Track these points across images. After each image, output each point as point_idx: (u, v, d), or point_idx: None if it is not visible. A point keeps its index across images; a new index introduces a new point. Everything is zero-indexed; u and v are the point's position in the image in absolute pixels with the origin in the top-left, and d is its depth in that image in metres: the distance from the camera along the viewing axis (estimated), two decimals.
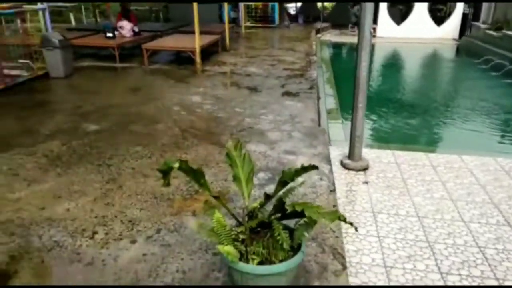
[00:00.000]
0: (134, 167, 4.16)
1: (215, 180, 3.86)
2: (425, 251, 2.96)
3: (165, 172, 2.41)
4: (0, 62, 6.98)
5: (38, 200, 3.54)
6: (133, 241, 3.02)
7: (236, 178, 2.52)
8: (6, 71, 7.19)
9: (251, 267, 2.18)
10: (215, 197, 2.42)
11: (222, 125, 5.37)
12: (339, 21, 17.39)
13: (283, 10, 17.55)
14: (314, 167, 2.27)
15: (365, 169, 4.17)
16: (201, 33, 9.01)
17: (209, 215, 2.46)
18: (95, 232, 3.11)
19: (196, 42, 8.58)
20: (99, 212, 3.38)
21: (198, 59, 8.62)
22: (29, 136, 4.92)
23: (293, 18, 18.54)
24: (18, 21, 9.66)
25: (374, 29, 14.24)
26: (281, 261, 2.24)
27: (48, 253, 2.87)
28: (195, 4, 8.17)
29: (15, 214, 3.34)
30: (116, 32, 9.74)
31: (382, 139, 5.89)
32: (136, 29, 10.24)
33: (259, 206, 2.50)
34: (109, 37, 9.50)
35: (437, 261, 2.86)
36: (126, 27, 10.01)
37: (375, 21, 13.82)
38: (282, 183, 2.34)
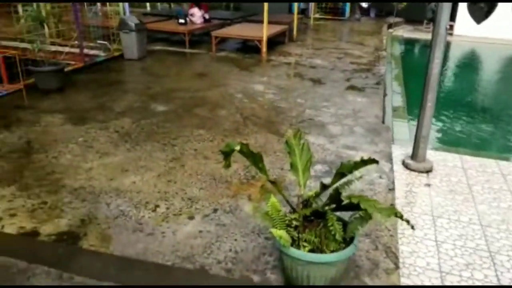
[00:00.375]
0: (196, 148, 4.33)
1: (272, 168, 3.92)
2: (485, 260, 2.83)
3: (227, 154, 2.50)
4: (82, 42, 7.49)
5: (108, 171, 3.80)
6: (191, 218, 3.16)
7: (293, 166, 2.56)
8: (86, 51, 7.71)
9: (302, 253, 2.22)
10: (272, 182, 2.48)
11: (282, 115, 5.41)
12: (413, 17, 16.67)
13: (355, 3, 17.12)
14: (374, 161, 2.25)
15: (428, 171, 4.02)
16: (269, 23, 9.06)
17: (265, 200, 2.53)
18: (157, 206, 3.30)
19: (264, 31, 8.64)
20: (161, 187, 3.57)
21: (264, 48, 8.68)
22: (103, 112, 5.27)
23: (365, 12, 18.03)
24: (99, 4, 10.30)
25: (452, 26, 13.50)
26: (332, 251, 2.26)
27: (114, 220, 3.10)
28: None
29: (87, 182, 3.62)
30: (187, 19, 10.06)
31: (449, 142, 5.62)
32: (207, 16, 10.50)
33: (314, 196, 2.52)
34: (181, 23, 9.83)
35: (497, 272, 2.72)
36: (196, 14, 10.30)
37: (453, 18, 13.07)
38: (340, 174, 2.34)
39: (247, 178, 3.75)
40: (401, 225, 3.08)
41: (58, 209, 3.22)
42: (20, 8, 7.75)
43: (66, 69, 6.69)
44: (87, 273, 2.39)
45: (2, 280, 2.03)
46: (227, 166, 2.54)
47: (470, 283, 2.62)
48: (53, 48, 7.16)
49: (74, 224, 3.05)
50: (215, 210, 3.26)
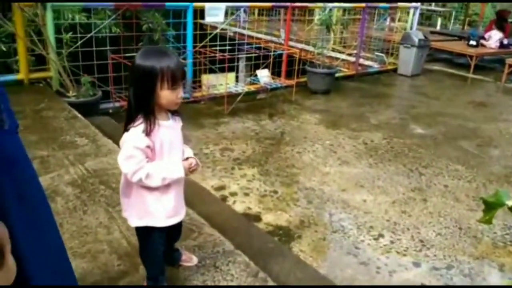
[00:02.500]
0: (447, 185, 3.64)
1: None
2: None
3: (491, 206, 1.88)
4: (360, 51, 7.56)
5: (342, 181, 3.60)
6: (416, 264, 2.62)
7: None
8: (361, 60, 7.76)
9: None
10: None
11: None
12: None
13: None
14: None
15: None
16: None
17: None
18: (381, 235, 2.89)
19: None
20: (393, 216, 3.13)
21: None
22: (358, 122, 5.12)
23: None
24: (388, 18, 10.24)
25: None
26: None
27: (331, 234, 2.87)
28: None
29: (319, 185, 3.52)
30: (480, 42, 8.87)
31: None
32: (505, 41, 9.00)
33: None
34: (471, 45, 8.75)
35: None
36: (493, 37, 8.94)
37: None
38: None
39: (504, 241, 2.88)
40: None
41: (285, 202, 3.23)
42: (316, 15, 8.44)
43: (337, 75, 6.89)
44: (284, 281, 2.23)
45: (209, 254, 2.08)
46: (487, 221, 1.91)
47: None
48: (332, 53, 7.48)
49: (293, 222, 2.98)
50: (449, 267, 2.60)
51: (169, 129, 1.61)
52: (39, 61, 4.77)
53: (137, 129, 1.53)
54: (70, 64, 4.54)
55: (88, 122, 3.71)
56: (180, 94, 1.55)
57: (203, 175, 3.54)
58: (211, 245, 2.11)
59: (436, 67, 8.69)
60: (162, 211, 1.63)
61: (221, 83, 5.32)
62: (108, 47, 4.82)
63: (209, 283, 1.86)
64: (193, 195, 2.85)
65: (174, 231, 1.83)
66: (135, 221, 1.66)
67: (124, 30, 5.20)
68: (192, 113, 4.99)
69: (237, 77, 6.34)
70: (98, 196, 2.51)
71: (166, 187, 1.61)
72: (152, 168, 1.55)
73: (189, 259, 2.00)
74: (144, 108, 1.53)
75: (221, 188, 3.37)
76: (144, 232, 1.70)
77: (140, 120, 1.53)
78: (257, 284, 1.85)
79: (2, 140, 1.14)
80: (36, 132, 3.40)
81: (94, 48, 4.68)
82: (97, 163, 2.93)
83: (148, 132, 1.53)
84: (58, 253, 1.39)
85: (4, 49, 4.59)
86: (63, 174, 2.73)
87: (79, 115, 3.84)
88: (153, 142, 1.55)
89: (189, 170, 1.67)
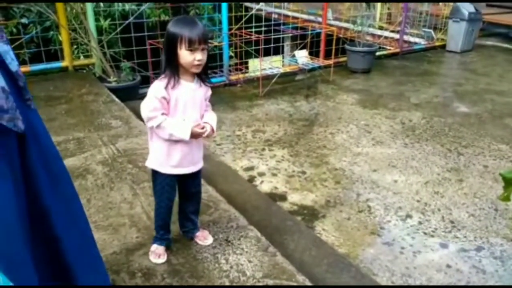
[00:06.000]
0: (487, 165, 3.45)
1: None
2: None
3: (510, 182, 1.79)
4: (404, 27, 7.23)
5: (374, 162, 3.52)
6: (444, 245, 2.53)
7: None
8: (406, 37, 7.43)
9: None
10: None
11: None
12: None
13: None
14: None
15: None
16: None
17: None
18: (409, 216, 2.81)
19: None
20: (424, 197, 3.03)
21: None
22: (397, 101, 4.94)
23: None
24: None
25: None
26: None
27: (356, 213, 2.83)
28: None
29: (350, 166, 3.46)
30: None
31: None
32: None
33: None
34: None
35: None
36: None
37: None
38: None
39: None
40: None
41: (312, 182, 3.21)
42: None
43: (380, 53, 6.66)
44: (299, 258, 2.23)
45: (222, 229, 2.13)
46: (506, 198, 1.83)
47: None
48: (373, 30, 7.22)
49: (319, 202, 2.96)
50: (479, 249, 2.49)
51: (189, 89, 1.82)
52: (83, 49, 5.03)
53: (160, 82, 1.78)
54: (111, 50, 4.74)
55: (123, 105, 3.88)
56: (198, 57, 1.74)
57: (233, 156, 3.60)
58: (225, 220, 2.16)
59: (489, 42, 8.13)
60: (166, 159, 1.86)
61: (265, 68, 5.32)
62: (146, 33, 4.96)
63: (219, 257, 1.91)
64: (218, 174, 2.92)
65: (187, 193, 2.02)
66: (147, 162, 1.93)
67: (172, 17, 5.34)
68: (228, 95, 5.05)
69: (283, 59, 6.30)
70: (125, 174, 2.64)
71: (174, 141, 1.83)
72: (165, 122, 1.77)
73: (204, 238, 2.08)
74: (169, 66, 1.77)
75: (250, 168, 3.41)
76: (152, 175, 1.95)
77: (165, 76, 1.78)
78: (266, 258, 1.88)
79: (30, 117, 1.29)
80: (76, 116, 3.61)
81: (133, 34, 4.85)
82: (127, 143, 3.07)
83: (166, 86, 1.76)
84: (83, 222, 1.53)
85: (50, 37, 4.87)
86: (96, 154, 2.90)
87: (116, 99, 4.02)
88: (169, 96, 1.77)
89: (199, 135, 1.84)
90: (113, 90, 4.37)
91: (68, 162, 2.76)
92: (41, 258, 1.35)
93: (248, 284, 1.78)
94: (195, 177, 2.00)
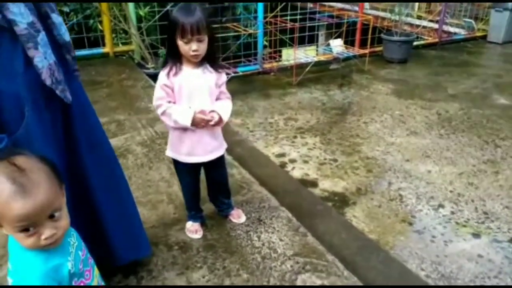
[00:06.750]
0: None
1: None
2: None
3: None
4: (443, 17, 7.04)
5: (408, 152, 3.50)
6: (476, 235, 2.51)
7: None
8: (446, 27, 7.23)
9: None
10: None
11: None
12: None
13: None
14: None
15: None
16: None
17: None
18: (441, 205, 2.80)
19: None
20: (457, 188, 3.00)
21: None
22: (434, 91, 4.85)
23: None
24: None
25: None
26: None
27: (387, 202, 2.84)
28: None
29: (382, 155, 3.46)
30: None
31: None
32: None
33: None
34: None
35: None
36: None
37: None
38: None
39: None
40: None
41: (343, 170, 3.24)
42: None
43: (417, 43, 6.52)
44: (328, 240, 2.28)
45: (255, 208, 2.20)
46: None
47: None
48: (412, 20, 7.06)
49: (349, 189, 2.99)
50: None
51: (192, 76, 1.80)
52: (121, 37, 5.21)
53: (164, 71, 1.81)
54: (149, 38, 4.88)
55: None
56: (193, 47, 1.71)
57: (266, 142, 3.66)
58: (258, 201, 2.24)
59: None
60: (179, 148, 1.90)
61: (299, 57, 5.34)
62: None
63: (252, 234, 2.00)
64: (250, 158, 3.00)
65: (212, 181, 2.09)
66: (167, 151, 1.99)
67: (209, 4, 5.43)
68: (261, 84, 5.10)
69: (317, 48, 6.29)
70: (163, 155, 2.76)
71: (183, 130, 1.84)
72: (169, 109, 1.79)
73: (237, 217, 2.16)
74: (170, 53, 1.79)
75: (282, 155, 3.46)
76: (173, 163, 2.01)
77: (168, 64, 1.80)
78: (296, 238, 1.95)
79: (75, 88, 1.40)
80: (116, 99, 3.76)
81: None
82: (165, 126, 3.18)
83: (168, 74, 1.77)
84: (123, 186, 1.64)
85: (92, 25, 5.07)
86: (135, 136, 3.04)
87: (154, 84, 4.16)
88: (172, 83, 1.77)
89: (204, 122, 1.81)
90: (151, 76, 4.52)
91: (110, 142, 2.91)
92: (81, 219, 1.44)
93: (279, 261, 1.86)
94: (216, 166, 1.99)
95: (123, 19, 4.85)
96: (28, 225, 0.95)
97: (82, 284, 1.11)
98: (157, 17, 4.89)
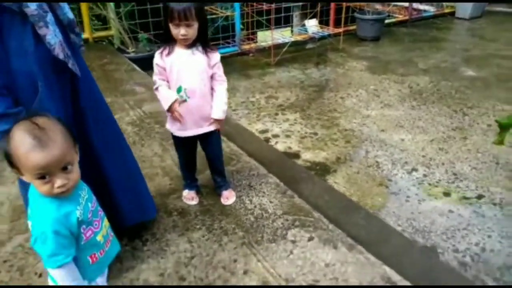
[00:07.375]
0: (491, 124, 3.64)
1: None
2: None
3: (504, 127, 1.98)
4: None
5: (382, 123, 3.72)
6: (447, 194, 2.76)
7: None
8: (415, 5, 7.47)
9: None
10: None
11: None
12: None
13: None
14: None
15: None
16: None
17: None
18: (414, 169, 3.04)
19: None
20: (429, 153, 3.24)
21: None
22: (405, 67, 5.09)
23: None
24: None
25: None
26: None
27: (365, 168, 3.06)
28: None
29: (359, 127, 3.67)
30: None
31: None
32: None
33: None
34: None
35: None
36: None
37: None
38: None
39: None
40: None
41: (323, 142, 3.43)
42: None
43: (389, 21, 6.73)
44: (313, 202, 2.46)
45: (245, 176, 2.37)
46: (500, 142, 2.02)
47: None
48: None
49: (330, 159, 3.19)
50: (480, 197, 2.72)
51: (182, 56, 1.93)
52: (102, 22, 5.22)
53: (158, 51, 1.96)
54: (128, 22, 4.93)
55: (145, 74, 4.10)
56: (181, 31, 1.84)
57: (249, 120, 3.82)
58: (247, 169, 2.41)
59: (500, 8, 8.12)
60: (173, 122, 2.04)
61: (276, 38, 5.46)
62: (161, 4, 5.12)
63: (244, 198, 2.17)
64: (237, 135, 3.14)
65: (207, 156, 2.21)
66: (166, 125, 2.11)
67: None
68: (240, 65, 5.23)
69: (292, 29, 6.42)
70: (154, 133, 2.89)
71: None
72: (160, 87, 1.97)
73: (226, 198, 2.22)
74: (165, 35, 1.91)
75: (265, 131, 3.63)
76: (171, 137, 2.16)
77: (163, 45, 1.95)
78: (284, 199, 2.13)
79: (83, 64, 1.52)
80: (101, 83, 3.78)
81: (149, 6, 5.01)
82: (153, 107, 3.30)
83: (161, 53, 1.92)
84: (129, 156, 1.78)
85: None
86: (124, 116, 3.14)
87: (137, 68, 4.24)
88: (164, 63, 1.93)
89: (177, 114, 1.96)
90: (133, 60, 4.58)
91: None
92: (89, 184, 1.57)
93: (270, 219, 2.04)
94: (208, 142, 2.11)
95: (101, 5, 4.86)
96: (44, 173, 1.11)
97: (90, 232, 1.26)
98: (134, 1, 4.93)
